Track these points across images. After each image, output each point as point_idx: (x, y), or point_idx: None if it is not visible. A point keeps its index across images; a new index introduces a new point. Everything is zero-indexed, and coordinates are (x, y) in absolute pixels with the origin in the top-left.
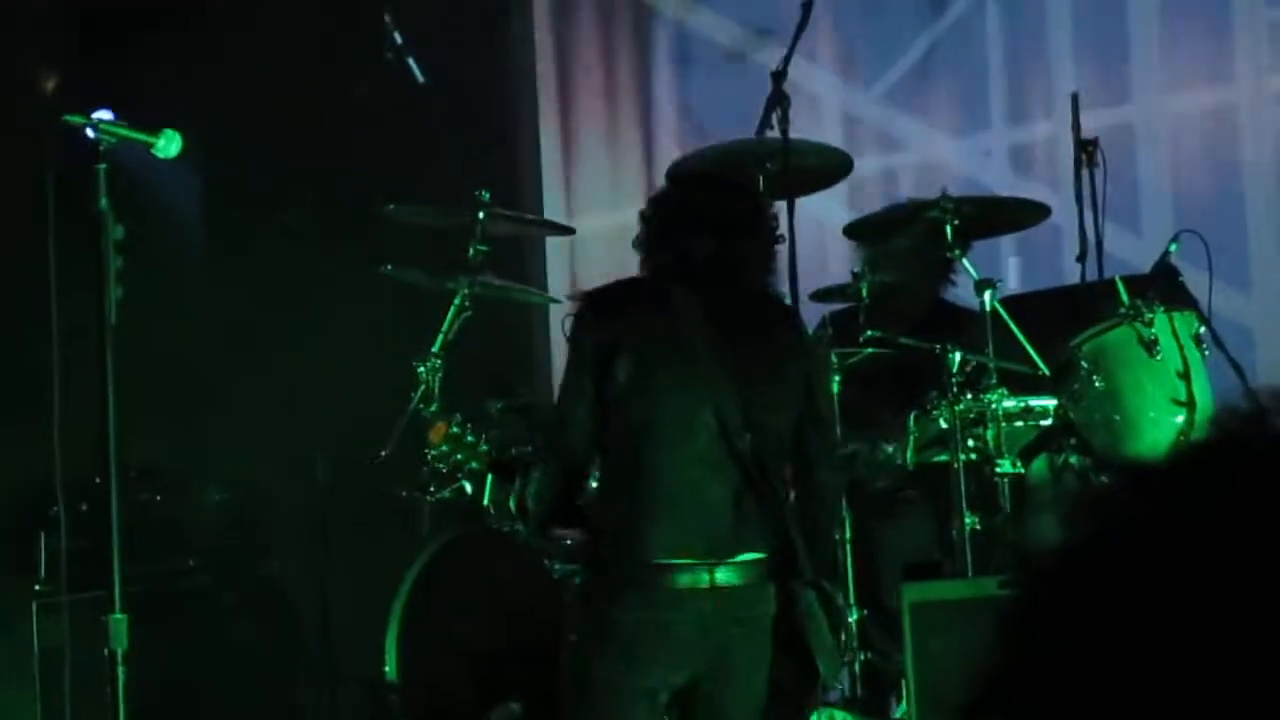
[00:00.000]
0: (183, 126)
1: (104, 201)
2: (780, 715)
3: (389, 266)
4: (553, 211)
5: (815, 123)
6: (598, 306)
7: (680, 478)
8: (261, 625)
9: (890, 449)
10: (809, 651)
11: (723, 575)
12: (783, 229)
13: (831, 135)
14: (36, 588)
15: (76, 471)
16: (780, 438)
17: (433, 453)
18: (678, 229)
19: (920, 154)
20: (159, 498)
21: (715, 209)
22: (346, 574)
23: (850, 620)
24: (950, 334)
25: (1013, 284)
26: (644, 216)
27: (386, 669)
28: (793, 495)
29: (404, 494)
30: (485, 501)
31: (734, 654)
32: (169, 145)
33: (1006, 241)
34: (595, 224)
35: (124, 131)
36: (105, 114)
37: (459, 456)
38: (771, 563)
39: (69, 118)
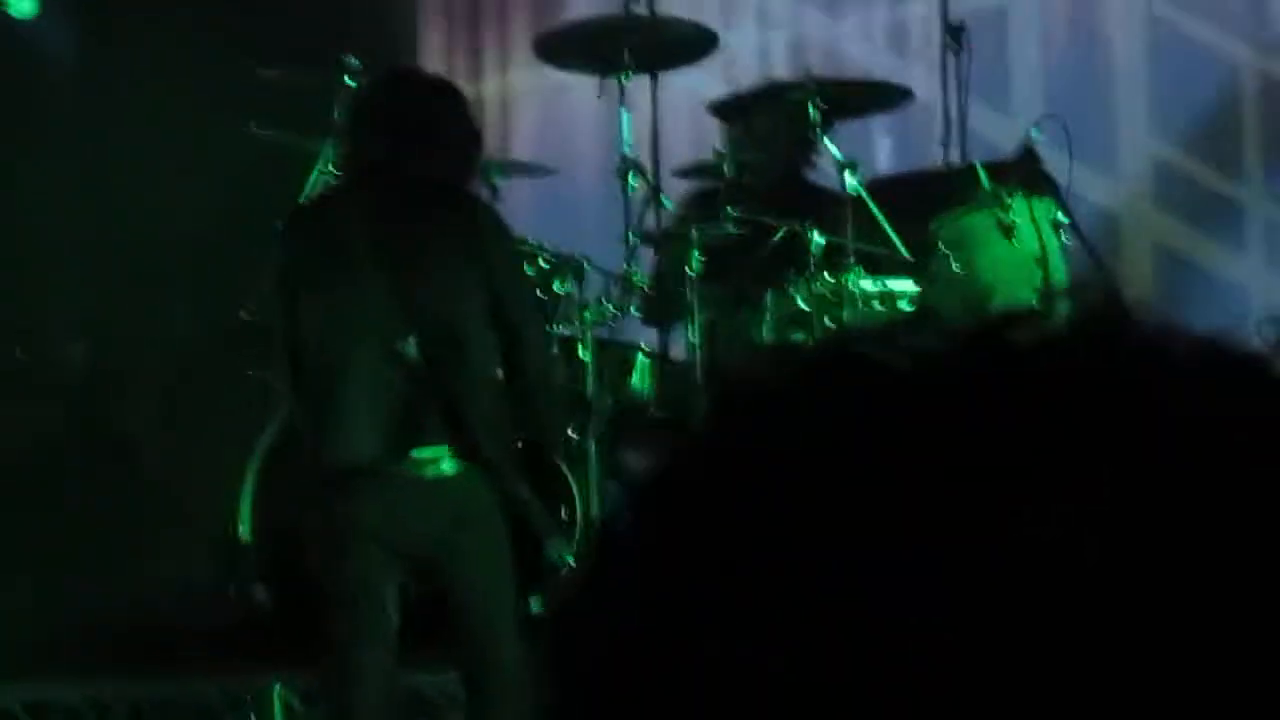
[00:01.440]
0: None
1: None
2: (506, 591)
3: (254, 125)
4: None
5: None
6: (290, 219)
7: (353, 383)
8: (116, 482)
9: (741, 320)
10: (525, 536)
11: (415, 469)
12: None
13: (708, 11)
14: None
15: None
16: (453, 327)
17: None
18: (359, 130)
19: (795, 30)
20: (19, 352)
21: (390, 110)
22: (204, 435)
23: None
24: (811, 214)
25: (883, 165)
26: (351, 116)
27: (240, 530)
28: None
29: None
30: None
31: (440, 541)
32: (23, 3)
33: (879, 122)
34: (475, 93)
35: None
36: None
37: None
38: (457, 452)
39: None
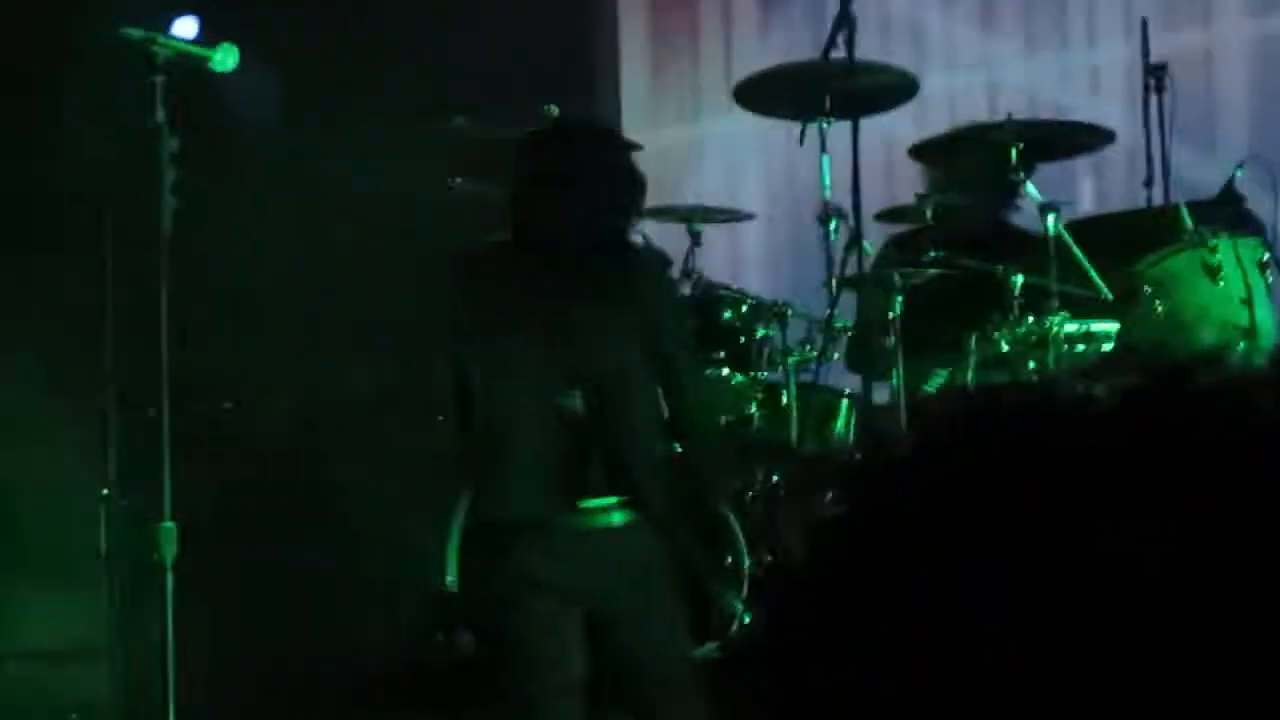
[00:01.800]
0: (249, 39)
1: (161, 114)
2: (680, 644)
3: (458, 180)
4: (635, 126)
5: (885, 43)
6: (453, 271)
7: (519, 437)
8: (325, 532)
9: (947, 375)
10: (696, 583)
11: (581, 522)
12: (642, 170)
13: (901, 56)
14: (103, 492)
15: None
16: (616, 378)
17: None
18: (520, 183)
19: (991, 74)
20: (226, 406)
21: (552, 162)
22: (410, 484)
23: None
24: (1013, 257)
25: (1086, 206)
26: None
27: (447, 579)
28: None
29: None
30: None
31: (611, 594)
32: (226, 59)
33: (1082, 164)
34: (675, 137)
35: (180, 45)
36: (189, 23)
37: None
38: (623, 503)
39: (127, 31)
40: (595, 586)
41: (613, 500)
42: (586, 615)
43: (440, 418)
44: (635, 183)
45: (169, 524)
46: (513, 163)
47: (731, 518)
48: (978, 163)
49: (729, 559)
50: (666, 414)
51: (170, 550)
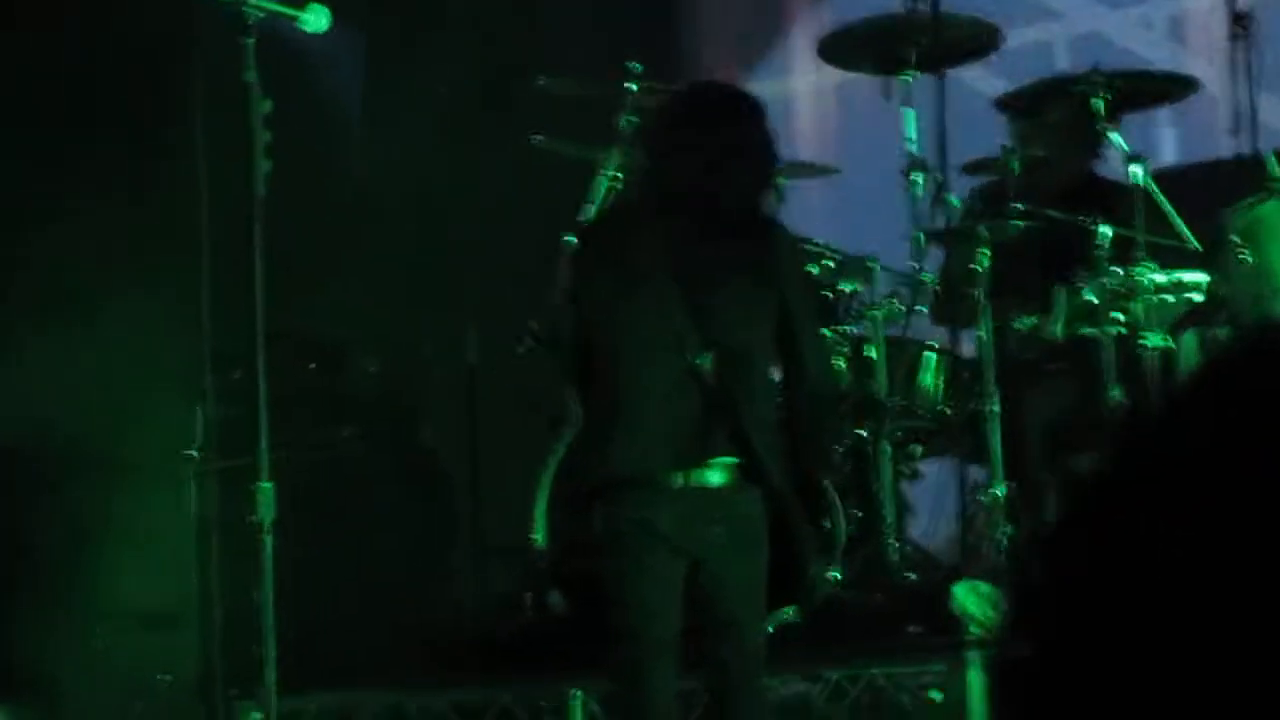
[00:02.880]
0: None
1: (251, 74)
2: (763, 615)
3: (540, 137)
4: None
5: None
6: (583, 238)
7: (645, 396)
8: (412, 495)
9: (1036, 320)
10: (793, 552)
11: (699, 478)
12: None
13: (985, 7)
14: (193, 453)
15: (238, 342)
16: (746, 352)
17: None
18: (660, 149)
19: (1076, 24)
20: (314, 367)
21: (694, 129)
22: (495, 445)
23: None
24: (1100, 208)
25: (1168, 157)
26: (644, 139)
27: (535, 537)
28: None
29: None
30: None
31: (717, 551)
32: (318, 19)
33: (1164, 114)
34: (757, 92)
35: (271, 5)
36: None
37: None
38: (745, 468)
39: None
40: (704, 544)
41: (732, 462)
42: (688, 573)
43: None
44: (775, 150)
45: (267, 485)
46: (656, 123)
47: (830, 488)
48: (1063, 114)
49: (826, 526)
50: (781, 381)
51: (269, 511)
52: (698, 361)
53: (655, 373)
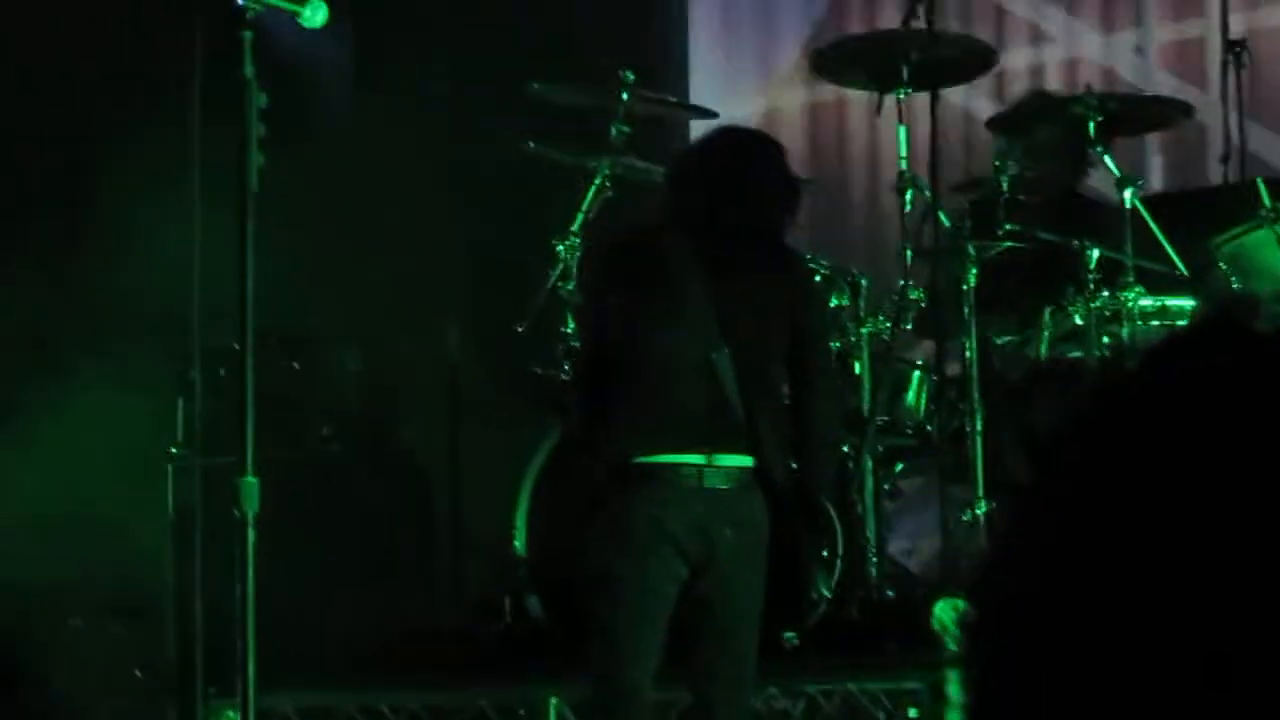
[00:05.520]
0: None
1: (249, 69)
2: (756, 624)
3: (531, 144)
4: (704, 94)
5: (964, 15)
6: (610, 250)
7: (667, 390)
8: (392, 493)
9: (1019, 338)
10: (797, 572)
11: (711, 478)
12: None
13: (981, 29)
14: (172, 450)
15: (219, 338)
16: (763, 361)
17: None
18: (677, 184)
19: (1069, 49)
20: (297, 364)
21: (707, 165)
22: (477, 446)
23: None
24: (1088, 229)
25: (1155, 183)
26: (671, 171)
27: (516, 543)
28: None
29: (538, 371)
30: None
31: (724, 555)
32: (315, 14)
33: (1151, 140)
34: (747, 108)
35: None
36: None
37: None
38: (756, 471)
39: None
40: (712, 547)
41: (745, 461)
42: (687, 580)
43: (519, 329)
44: (794, 188)
45: (251, 479)
46: (675, 163)
47: (831, 510)
48: (1055, 135)
49: (825, 550)
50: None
51: (252, 505)
52: (717, 355)
53: (677, 366)
